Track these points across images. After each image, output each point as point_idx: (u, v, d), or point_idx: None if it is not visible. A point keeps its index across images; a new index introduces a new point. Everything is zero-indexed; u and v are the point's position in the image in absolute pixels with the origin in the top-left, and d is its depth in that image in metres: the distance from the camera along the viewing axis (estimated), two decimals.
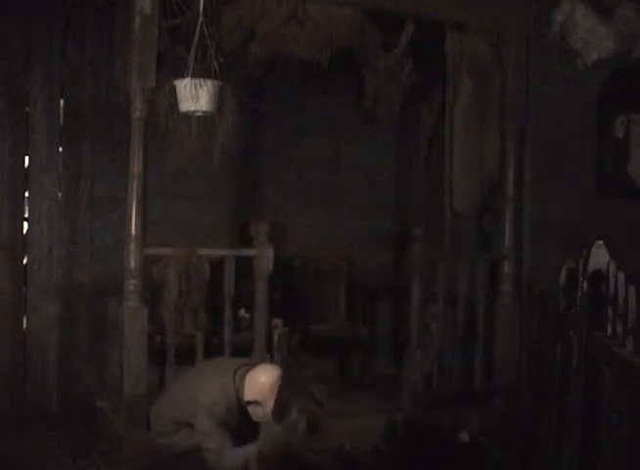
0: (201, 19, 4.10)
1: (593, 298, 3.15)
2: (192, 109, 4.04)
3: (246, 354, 4.46)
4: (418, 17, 4.82)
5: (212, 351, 4.48)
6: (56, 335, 5.06)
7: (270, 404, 3.71)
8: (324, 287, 5.60)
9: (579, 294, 3.32)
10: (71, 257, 5.12)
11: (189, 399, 3.78)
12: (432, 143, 6.08)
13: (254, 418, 3.79)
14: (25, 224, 5.04)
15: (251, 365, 3.92)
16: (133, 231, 4.19)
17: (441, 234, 5.54)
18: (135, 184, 4.21)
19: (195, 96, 3.97)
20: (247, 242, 4.83)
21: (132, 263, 4.18)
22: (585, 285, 3.25)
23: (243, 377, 3.80)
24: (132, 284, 4.17)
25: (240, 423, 3.79)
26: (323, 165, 6.12)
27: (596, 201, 5.41)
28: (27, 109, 5.05)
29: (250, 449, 3.68)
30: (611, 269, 3.00)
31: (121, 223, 4.34)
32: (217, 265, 4.48)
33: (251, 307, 4.71)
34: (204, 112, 4.07)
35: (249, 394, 3.75)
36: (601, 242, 3.24)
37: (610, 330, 2.95)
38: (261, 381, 3.76)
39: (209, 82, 4.00)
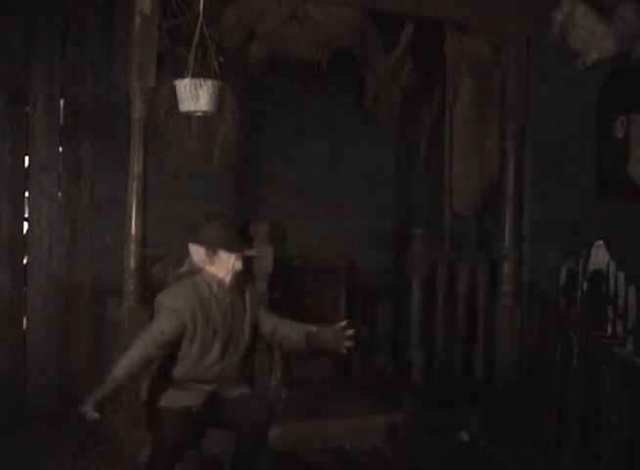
0: (201, 19, 4.11)
1: (593, 298, 3.15)
2: (192, 109, 4.04)
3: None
4: (418, 17, 4.83)
5: None
6: (56, 335, 5.06)
7: (220, 255, 3.41)
8: (324, 287, 5.59)
9: (579, 294, 3.32)
10: (71, 257, 5.12)
11: None
12: (432, 143, 6.08)
13: (218, 282, 3.44)
14: (25, 224, 5.04)
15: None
16: (133, 231, 4.19)
17: (441, 234, 5.54)
18: (135, 184, 4.21)
19: (195, 96, 3.98)
20: (247, 242, 4.83)
21: (132, 263, 4.18)
22: (585, 285, 3.25)
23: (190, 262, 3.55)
24: (132, 284, 4.17)
25: (210, 302, 3.43)
26: (323, 165, 6.12)
27: (596, 201, 5.41)
28: (27, 109, 5.04)
29: None
30: (611, 269, 3.00)
31: (121, 223, 4.34)
32: None
33: None
34: (204, 112, 4.07)
35: (197, 258, 3.45)
36: (601, 242, 3.24)
37: (610, 330, 2.95)
38: (196, 240, 3.47)
39: (209, 82, 4.00)
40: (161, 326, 3.28)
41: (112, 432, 4.33)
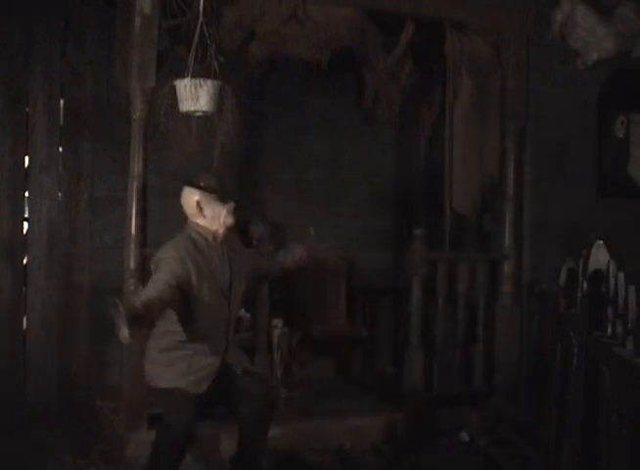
0: (201, 19, 4.10)
1: (593, 298, 3.15)
2: (192, 109, 4.04)
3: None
4: (418, 17, 4.83)
5: None
6: (56, 335, 5.06)
7: (212, 206, 3.40)
8: (324, 287, 5.59)
9: (579, 294, 3.32)
10: (71, 257, 5.12)
11: None
12: (432, 143, 6.07)
13: (212, 235, 3.43)
14: (25, 224, 5.05)
15: None
16: (133, 231, 4.19)
17: (441, 234, 5.54)
18: (135, 184, 4.21)
19: (195, 96, 3.98)
20: (247, 242, 4.83)
21: (132, 263, 4.18)
22: (585, 285, 3.25)
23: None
24: (132, 284, 4.17)
25: (209, 252, 3.43)
26: (323, 165, 6.12)
27: (596, 201, 5.41)
28: (27, 109, 5.05)
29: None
30: (611, 269, 3.00)
31: (121, 223, 4.33)
32: None
33: (252, 307, 4.71)
34: (204, 112, 4.07)
35: (188, 211, 3.46)
36: (601, 242, 3.24)
37: (610, 330, 2.94)
38: (190, 189, 3.46)
39: (209, 82, 4.00)
40: (167, 274, 3.22)
41: (112, 432, 4.34)
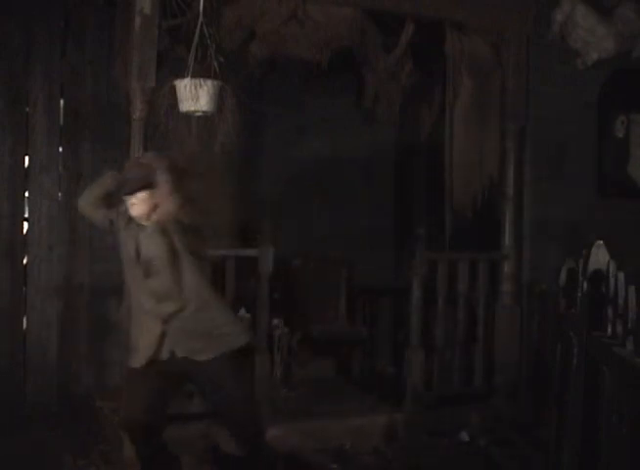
0: (201, 19, 4.11)
1: (593, 298, 3.15)
2: (192, 109, 4.04)
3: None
4: (418, 17, 4.83)
5: None
6: (56, 335, 5.06)
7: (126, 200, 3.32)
8: (324, 287, 5.60)
9: (579, 294, 3.31)
10: (71, 257, 5.12)
11: None
12: (431, 143, 6.07)
13: (138, 218, 3.34)
14: (25, 224, 5.04)
15: None
16: None
17: (441, 234, 5.54)
18: None
19: (195, 96, 3.98)
20: (247, 242, 4.83)
21: None
22: (585, 285, 3.24)
23: None
24: None
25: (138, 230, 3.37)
26: (323, 165, 6.12)
27: (596, 201, 5.41)
28: (27, 109, 5.04)
29: None
30: (611, 269, 3.00)
31: None
32: (217, 265, 4.48)
33: (252, 307, 4.71)
34: (204, 112, 4.08)
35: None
36: (601, 242, 3.24)
37: (610, 330, 2.94)
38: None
39: (209, 82, 4.00)
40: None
41: (111, 432, 4.33)
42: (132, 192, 3.25)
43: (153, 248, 3.31)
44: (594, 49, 5.25)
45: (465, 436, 4.66)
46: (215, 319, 3.37)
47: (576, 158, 5.35)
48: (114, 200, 3.42)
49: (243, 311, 4.87)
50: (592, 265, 3.22)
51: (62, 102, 5.15)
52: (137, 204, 3.27)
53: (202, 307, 3.33)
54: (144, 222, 3.32)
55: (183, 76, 4.03)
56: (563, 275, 3.70)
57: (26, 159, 5.04)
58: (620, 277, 2.89)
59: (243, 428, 3.43)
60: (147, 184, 3.23)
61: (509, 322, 5.03)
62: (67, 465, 4.12)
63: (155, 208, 3.28)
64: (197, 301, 3.32)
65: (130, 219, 3.33)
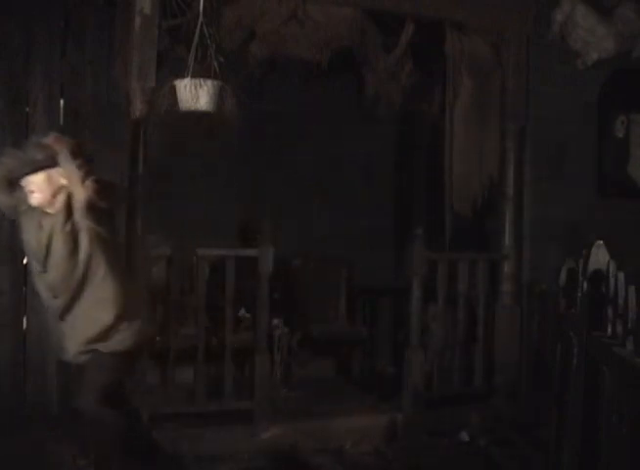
0: (201, 19, 4.11)
1: (593, 298, 3.15)
2: (192, 109, 4.04)
3: (246, 355, 4.47)
4: (418, 17, 4.83)
5: (212, 350, 4.48)
6: (56, 335, 5.04)
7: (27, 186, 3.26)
8: (324, 287, 5.60)
9: (579, 294, 3.32)
10: None
11: None
12: (431, 143, 6.08)
13: (40, 206, 3.32)
14: None
15: None
16: None
17: (441, 234, 5.54)
18: None
19: (195, 96, 3.98)
20: (247, 242, 4.84)
21: None
22: (585, 285, 3.25)
23: None
24: None
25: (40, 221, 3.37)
26: (323, 165, 6.12)
27: (596, 201, 5.41)
28: (27, 109, 5.03)
29: None
30: (611, 269, 3.00)
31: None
32: (218, 265, 4.48)
33: (252, 307, 4.72)
34: (204, 112, 4.07)
35: None
36: (601, 242, 3.24)
37: (610, 330, 2.95)
38: None
39: (209, 82, 4.00)
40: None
41: None
42: (30, 172, 3.17)
43: (54, 238, 3.27)
44: (594, 49, 5.25)
45: (465, 436, 4.66)
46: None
47: (576, 158, 5.35)
48: (14, 181, 3.28)
49: (243, 311, 4.88)
50: (592, 265, 3.22)
51: (62, 102, 5.14)
52: (36, 190, 3.20)
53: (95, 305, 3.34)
54: (48, 210, 3.25)
55: (183, 76, 4.03)
56: (563, 275, 3.71)
57: None
58: (620, 277, 2.89)
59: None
60: (45, 165, 3.16)
61: (509, 322, 5.03)
62: (67, 465, 4.12)
63: (56, 194, 3.21)
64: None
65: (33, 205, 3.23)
